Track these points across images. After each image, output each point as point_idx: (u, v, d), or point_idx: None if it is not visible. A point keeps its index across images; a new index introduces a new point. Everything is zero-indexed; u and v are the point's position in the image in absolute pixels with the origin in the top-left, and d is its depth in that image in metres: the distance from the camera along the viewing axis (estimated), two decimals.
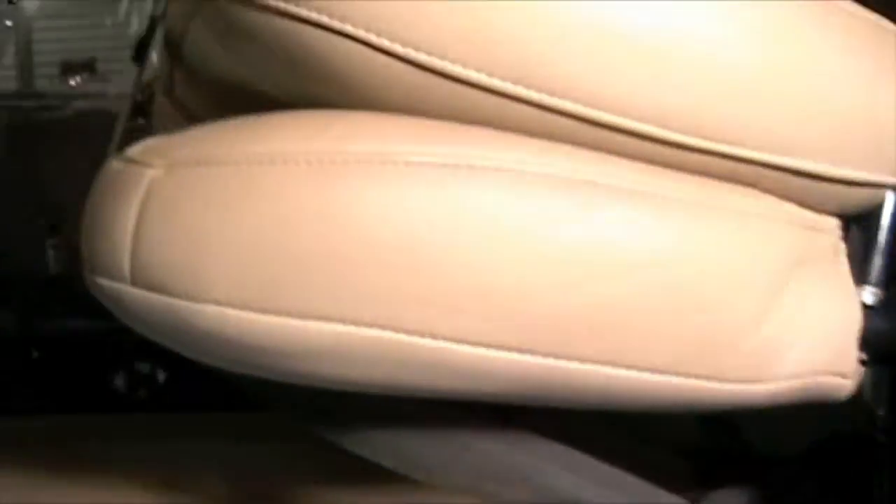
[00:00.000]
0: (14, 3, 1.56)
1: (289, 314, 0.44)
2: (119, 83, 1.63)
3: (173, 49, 0.60)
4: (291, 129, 0.45)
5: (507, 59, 0.44)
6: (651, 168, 0.47)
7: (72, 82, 1.61)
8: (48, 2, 1.56)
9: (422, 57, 0.44)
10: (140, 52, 0.61)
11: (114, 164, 0.51)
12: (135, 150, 0.51)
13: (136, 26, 1.64)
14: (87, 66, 1.62)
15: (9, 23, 1.59)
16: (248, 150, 0.44)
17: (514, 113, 0.45)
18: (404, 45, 0.44)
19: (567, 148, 0.46)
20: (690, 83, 0.45)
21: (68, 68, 1.62)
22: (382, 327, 0.44)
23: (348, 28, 0.44)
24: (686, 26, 0.45)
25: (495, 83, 0.44)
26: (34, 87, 1.62)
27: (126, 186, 0.47)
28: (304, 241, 0.43)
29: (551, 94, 0.44)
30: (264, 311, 0.44)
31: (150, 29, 0.61)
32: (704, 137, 0.46)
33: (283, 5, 0.45)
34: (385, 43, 0.44)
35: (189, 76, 0.61)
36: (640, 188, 0.46)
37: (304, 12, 0.44)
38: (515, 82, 0.44)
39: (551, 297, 0.45)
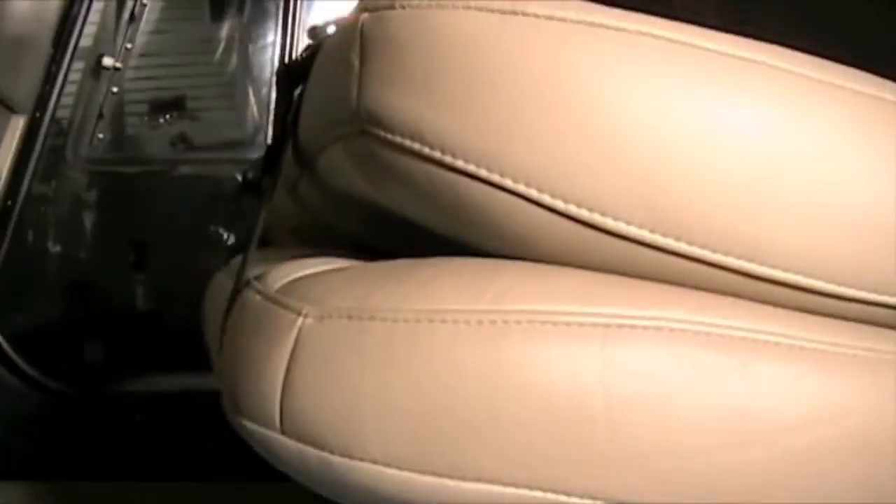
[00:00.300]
0: (120, 70, 1.57)
1: (447, 475, 0.43)
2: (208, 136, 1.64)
3: (305, 160, 0.59)
4: (451, 286, 0.44)
5: (670, 216, 0.43)
6: (811, 319, 0.46)
7: (160, 119, 1.63)
8: (144, 39, 1.57)
9: (584, 213, 0.43)
10: (270, 162, 0.61)
11: (255, 299, 0.50)
12: (276, 283, 0.50)
13: (233, 66, 1.64)
14: (175, 105, 1.64)
15: (115, 89, 1.60)
16: (409, 308, 0.44)
17: (676, 267, 0.44)
18: (566, 201, 0.43)
19: (727, 301, 0.45)
20: (854, 237, 0.44)
21: (157, 106, 1.63)
22: (541, 489, 0.43)
23: (508, 182, 0.43)
24: (850, 184, 0.43)
25: (658, 240, 0.43)
26: (124, 145, 1.64)
27: (273, 330, 0.47)
28: (466, 402, 0.42)
29: (714, 250, 0.43)
30: (422, 471, 0.43)
31: (280, 140, 0.61)
32: (866, 289, 0.45)
33: (438, 155, 0.44)
34: (546, 198, 0.43)
35: (319, 185, 0.60)
36: (799, 343, 0.44)
37: (460, 164, 0.43)
38: (678, 239, 0.43)
39: (708, 457, 0.43)
